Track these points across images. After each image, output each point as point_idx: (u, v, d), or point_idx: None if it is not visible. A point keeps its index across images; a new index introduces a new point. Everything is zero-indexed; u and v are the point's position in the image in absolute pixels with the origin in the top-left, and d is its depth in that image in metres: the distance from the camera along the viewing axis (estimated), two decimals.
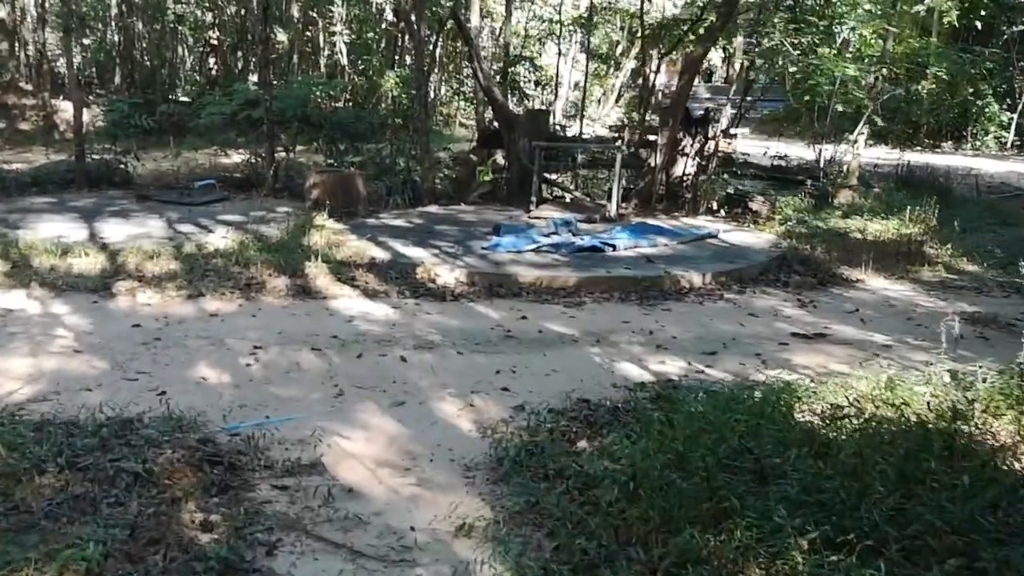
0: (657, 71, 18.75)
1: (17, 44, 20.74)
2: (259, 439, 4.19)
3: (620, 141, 12.07)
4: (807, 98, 15.39)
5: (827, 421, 4.16)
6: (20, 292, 6.81)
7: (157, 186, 12.65)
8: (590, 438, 4.29)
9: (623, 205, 11.23)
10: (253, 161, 12.84)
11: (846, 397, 4.39)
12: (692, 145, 11.68)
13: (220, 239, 8.64)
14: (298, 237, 8.88)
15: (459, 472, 4.04)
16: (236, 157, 14.58)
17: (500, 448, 4.19)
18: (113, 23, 22.36)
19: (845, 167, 14.16)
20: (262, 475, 3.86)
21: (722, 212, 11.30)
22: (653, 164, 11.56)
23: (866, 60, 13.53)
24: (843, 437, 3.89)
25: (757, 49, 14.81)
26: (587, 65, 19.79)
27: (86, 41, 22.86)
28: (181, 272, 7.49)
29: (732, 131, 12.31)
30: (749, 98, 15.65)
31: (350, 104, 19.64)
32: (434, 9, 18.98)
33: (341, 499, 3.70)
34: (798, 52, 13.34)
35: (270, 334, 6.03)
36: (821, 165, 14.41)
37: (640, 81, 33.84)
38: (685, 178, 11.79)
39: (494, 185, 12.77)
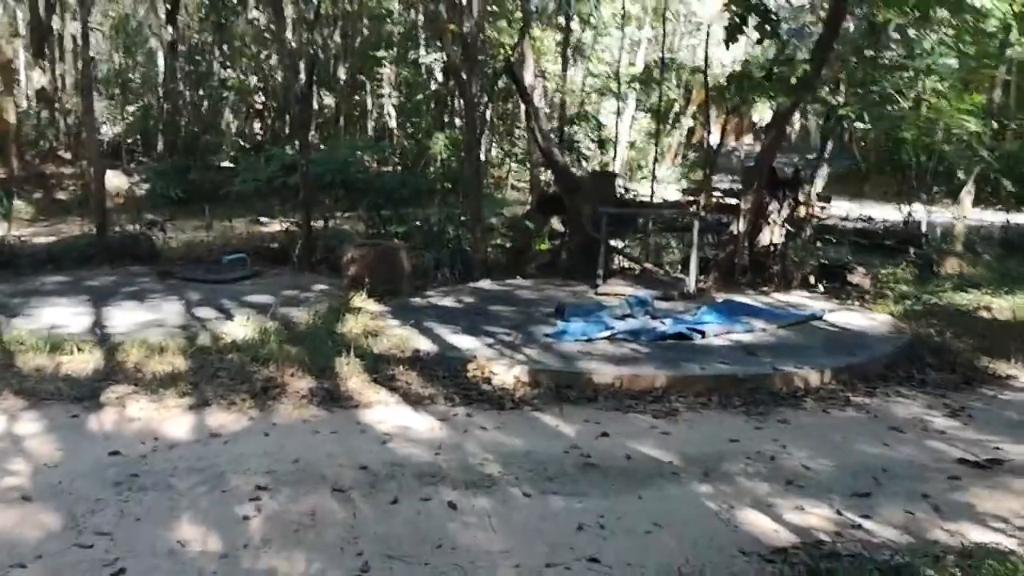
0: (724, 128, 17.49)
1: (57, 112, 20.20)
2: None
3: (696, 205, 10.67)
4: (895, 156, 13.96)
5: None
6: None
7: (185, 260, 11.56)
8: None
9: (702, 278, 9.81)
10: (289, 232, 11.72)
11: None
12: (780, 210, 10.24)
13: (240, 327, 7.38)
14: (330, 323, 7.60)
15: None
16: (274, 226, 13.52)
17: None
18: (159, 89, 21.80)
19: (942, 230, 12.63)
20: None
21: (820, 287, 9.78)
22: (736, 232, 10.14)
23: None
24: None
25: (839, 100, 13.42)
26: (657, 123, 18.53)
27: (131, 108, 22.34)
28: (187, 373, 6.22)
29: (825, 194, 10.80)
30: (826, 155, 14.19)
31: (398, 168, 18.66)
32: (487, 69, 18.03)
33: None
34: (877, 103, 11.94)
35: (283, 465, 4.68)
36: (922, 229, 12.82)
37: (696, 140, 32.77)
38: (772, 247, 10.33)
39: (553, 256, 11.47)
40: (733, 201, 10.70)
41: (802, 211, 10.35)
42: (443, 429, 5.38)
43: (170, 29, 20.23)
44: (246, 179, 11.81)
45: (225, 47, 22.45)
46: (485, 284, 9.97)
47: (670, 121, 27.29)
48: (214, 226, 14.06)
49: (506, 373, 6.43)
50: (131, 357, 6.49)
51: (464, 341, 7.20)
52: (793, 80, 9.28)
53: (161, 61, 21.31)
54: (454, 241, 11.32)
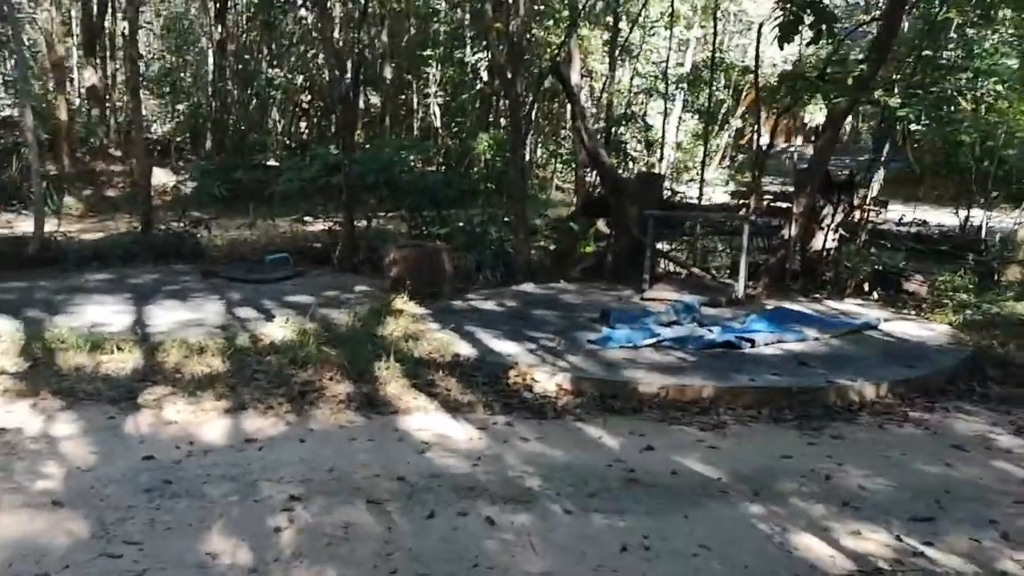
0: (775, 129, 17.14)
1: (108, 110, 20.44)
2: None
3: (746, 208, 10.39)
4: (952, 158, 13.53)
5: None
6: (26, 402, 5.54)
7: (229, 259, 11.56)
8: None
9: (751, 284, 9.53)
10: (332, 231, 11.66)
11: None
12: (834, 215, 9.92)
13: (280, 328, 7.30)
14: (371, 325, 7.49)
15: None
16: (318, 226, 13.49)
17: None
18: (209, 88, 21.98)
19: (1002, 236, 12.18)
20: None
21: (874, 295, 9.44)
22: (787, 236, 9.84)
23: None
24: None
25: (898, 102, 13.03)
26: (706, 124, 18.18)
27: (181, 107, 22.57)
28: (225, 374, 6.15)
29: (881, 198, 10.43)
30: (882, 157, 13.79)
31: (442, 168, 18.57)
32: (532, 68, 17.86)
33: None
34: (934, 104, 11.55)
35: (318, 473, 4.56)
36: (981, 235, 12.37)
37: (744, 141, 32.21)
38: (825, 253, 10.02)
39: (598, 259, 11.26)
40: (784, 204, 10.39)
41: (857, 215, 9.99)
42: (482, 439, 5.22)
43: (219, 28, 20.35)
44: (290, 178, 11.77)
45: (273, 46, 22.58)
46: (528, 287, 9.80)
47: (718, 122, 26.88)
48: (259, 225, 14.09)
49: (548, 380, 6.25)
50: (170, 358, 6.44)
51: (505, 346, 7.03)
52: (849, 81, 8.95)
53: (211, 60, 21.47)
54: (497, 243, 11.16)
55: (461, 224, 12.08)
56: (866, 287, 9.54)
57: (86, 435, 5.01)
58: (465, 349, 6.91)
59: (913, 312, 8.99)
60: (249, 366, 6.36)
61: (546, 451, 5.05)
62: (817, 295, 9.57)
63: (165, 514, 4.00)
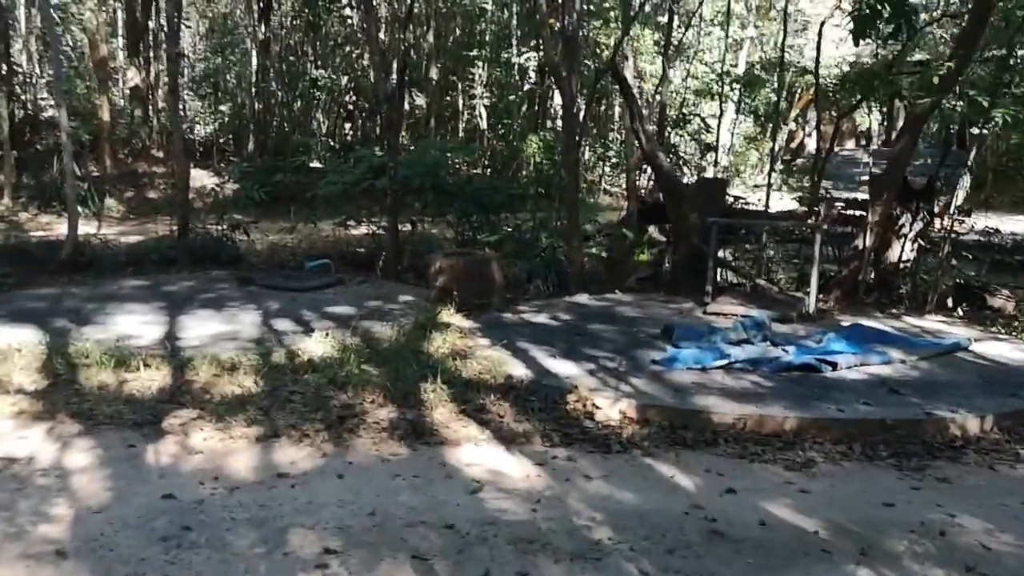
0: (837, 132, 16.35)
1: (151, 110, 20.23)
2: None
3: (816, 216, 9.70)
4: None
5: None
6: (42, 426, 5.08)
7: (269, 264, 11.17)
8: None
9: (821, 297, 8.84)
10: (375, 236, 11.18)
11: None
12: (912, 224, 9.19)
13: (318, 343, 6.79)
14: (415, 341, 6.96)
15: None
16: (362, 229, 13.03)
17: None
18: (252, 89, 21.71)
19: None
20: None
21: (959, 311, 8.69)
22: (861, 246, 9.14)
23: None
24: None
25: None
26: (764, 125, 17.46)
27: (223, 108, 22.32)
28: (258, 396, 5.66)
29: (965, 206, 9.64)
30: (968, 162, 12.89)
31: (488, 171, 18.06)
32: (583, 69, 17.25)
33: None
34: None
35: (357, 518, 4.02)
36: None
37: (793, 144, 31.25)
38: (902, 265, 9.29)
39: (655, 268, 10.64)
40: (857, 212, 9.68)
41: (937, 224, 9.25)
42: (541, 476, 4.65)
43: (263, 28, 20.05)
44: (333, 181, 11.31)
45: (317, 46, 22.26)
46: (582, 299, 9.21)
47: (772, 125, 26.02)
48: (300, 229, 13.66)
49: (611, 407, 5.66)
50: (200, 376, 5.97)
51: (562, 366, 6.46)
52: (936, 79, 8.23)
53: (254, 61, 21.23)
54: (548, 251, 10.59)
55: (510, 230, 11.54)
56: (950, 302, 8.77)
57: (102, 467, 4.53)
58: (518, 369, 6.34)
59: (1003, 331, 8.24)
60: (284, 386, 5.87)
61: (613, 493, 4.46)
62: (894, 310, 8.85)
63: (181, 570, 3.48)
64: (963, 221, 9.53)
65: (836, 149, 31.92)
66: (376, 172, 10.68)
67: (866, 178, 17.69)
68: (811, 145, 28.60)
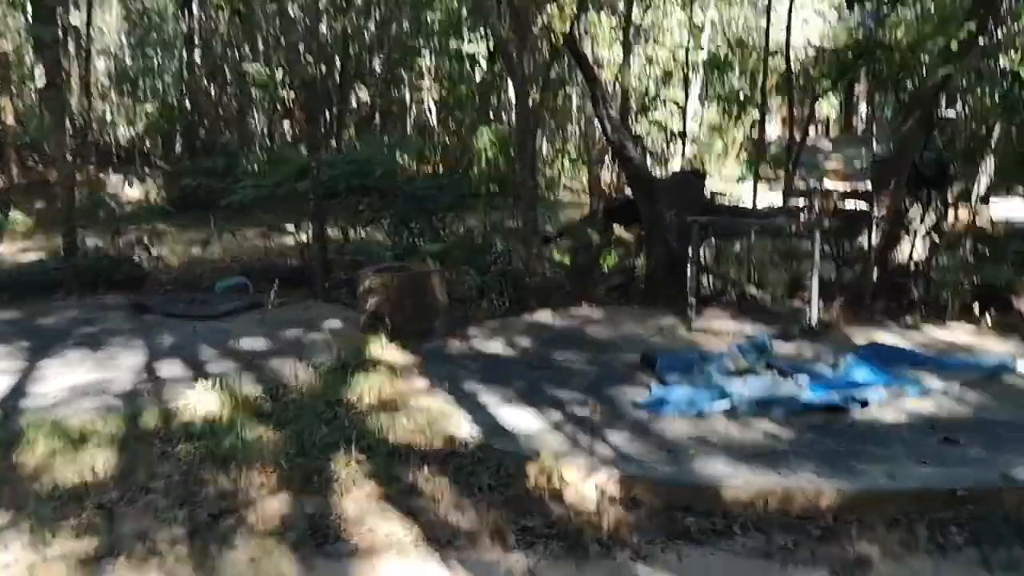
0: (811, 118, 15.17)
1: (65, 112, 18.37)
2: None
3: (810, 211, 8.34)
4: None
5: None
6: None
7: (180, 284, 9.57)
8: None
9: (822, 307, 7.47)
10: (302, 248, 9.65)
11: None
12: (924, 217, 7.88)
13: (205, 393, 5.25)
14: (334, 387, 5.49)
15: None
16: (290, 239, 11.47)
17: None
18: (183, 86, 19.93)
19: None
20: None
21: (987, 318, 7.35)
22: (867, 245, 7.81)
23: None
24: None
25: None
26: (730, 112, 16.24)
27: (148, 108, 20.52)
28: (106, 482, 4.14)
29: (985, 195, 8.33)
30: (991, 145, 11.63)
31: (439, 168, 16.57)
32: (537, 54, 15.83)
33: None
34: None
35: None
36: None
37: (756, 134, 30.14)
38: (914, 265, 7.97)
39: (627, 275, 9.23)
40: (859, 205, 8.35)
41: (953, 216, 7.94)
42: None
43: (186, 18, 18.35)
44: (246, 186, 9.72)
45: (255, 38, 20.53)
46: (544, 317, 7.77)
47: (735, 112, 24.79)
48: (223, 240, 12.04)
49: (585, 480, 4.21)
50: (32, 456, 4.43)
51: (520, 418, 5.01)
52: (954, 44, 6.91)
53: (182, 55, 19.49)
54: (503, 259, 9.14)
55: (457, 234, 10.07)
56: (975, 308, 7.44)
57: None
58: (463, 426, 4.88)
59: None
60: (146, 466, 4.35)
61: None
62: (908, 319, 7.52)
63: None
64: (978, 213, 8.21)
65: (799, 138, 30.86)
66: (298, 174, 9.13)
67: (831, 166, 16.57)
68: (771, 133, 27.47)
